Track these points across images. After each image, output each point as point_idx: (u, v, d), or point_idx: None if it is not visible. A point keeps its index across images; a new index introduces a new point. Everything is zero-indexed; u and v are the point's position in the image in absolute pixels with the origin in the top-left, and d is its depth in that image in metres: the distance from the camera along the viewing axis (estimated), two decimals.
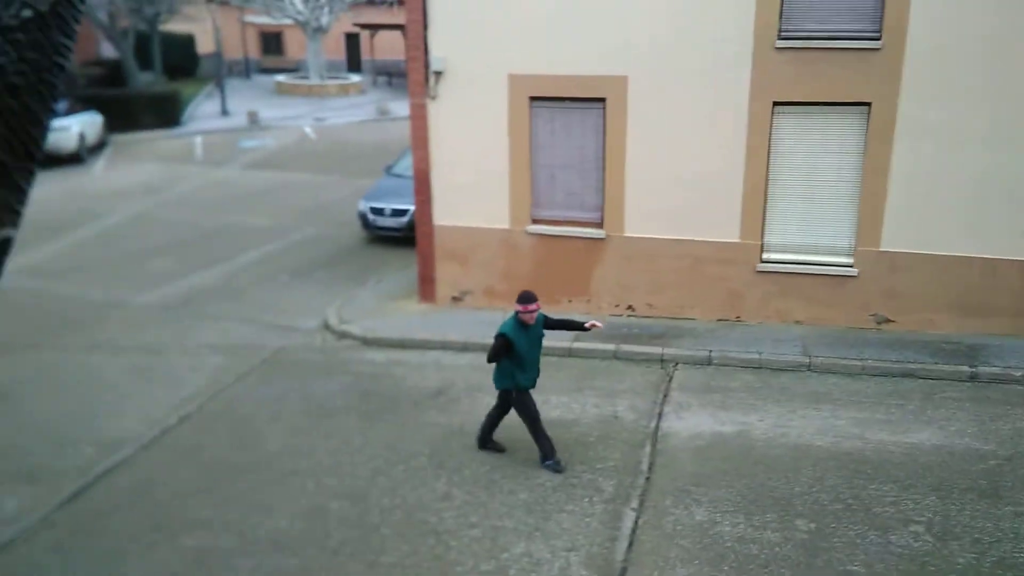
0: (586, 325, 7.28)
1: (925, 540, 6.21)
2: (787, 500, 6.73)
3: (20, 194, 1.07)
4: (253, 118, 29.76)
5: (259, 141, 26.69)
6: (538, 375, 7.23)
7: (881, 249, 9.80)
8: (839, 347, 9.48)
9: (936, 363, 9.00)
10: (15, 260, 15.18)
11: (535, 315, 6.96)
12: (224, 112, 31.62)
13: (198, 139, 27.31)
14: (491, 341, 7.07)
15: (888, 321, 9.98)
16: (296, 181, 20.57)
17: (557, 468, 7.19)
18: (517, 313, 6.97)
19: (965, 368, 8.88)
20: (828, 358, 9.21)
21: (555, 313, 7.71)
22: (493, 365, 7.10)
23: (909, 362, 9.03)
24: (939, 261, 9.66)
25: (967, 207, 9.45)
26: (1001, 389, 8.60)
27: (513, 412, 7.30)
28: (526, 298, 6.95)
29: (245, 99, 35.25)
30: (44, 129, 1.08)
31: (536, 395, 8.64)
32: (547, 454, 7.23)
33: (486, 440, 7.58)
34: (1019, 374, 8.73)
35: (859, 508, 6.61)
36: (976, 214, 9.45)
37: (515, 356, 6.95)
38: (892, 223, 9.69)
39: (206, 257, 14.03)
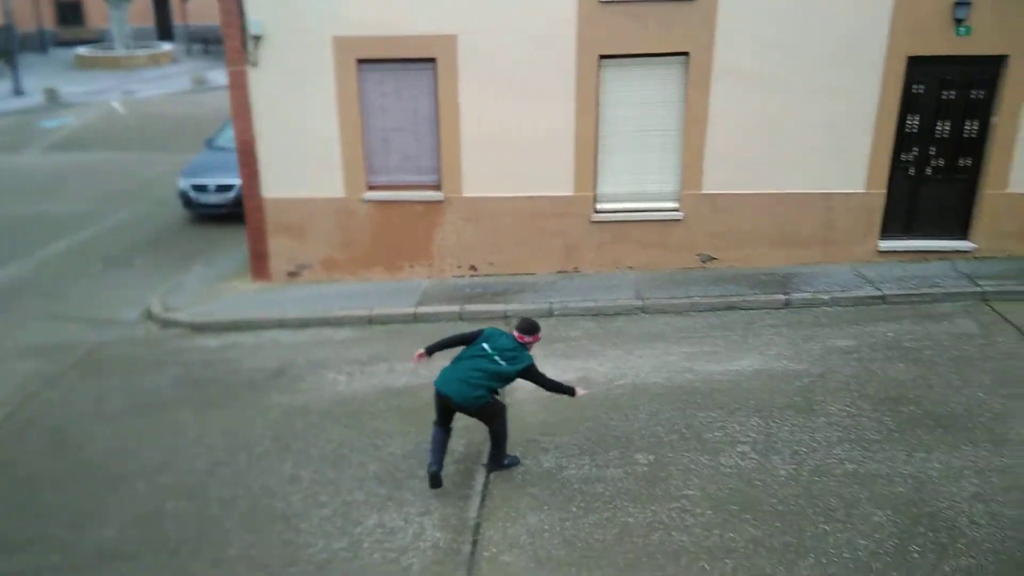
0: (578, 393, 6.52)
1: (751, 458, 6.69)
2: (627, 437, 7.03)
3: None
4: (52, 96, 27.14)
5: (61, 120, 24.38)
6: None
7: (703, 192, 10.31)
8: (669, 288, 9.95)
9: (755, 294, 9.65)
10: None
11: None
12: (18, 92, 28.63)
13: None
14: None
15: (712, 259, 10.56)
16: (107, 161, 18.95)
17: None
18: (526, 344, 6.43)
19: (780, 296, 9.59)
20: (659, 299, 9.65)
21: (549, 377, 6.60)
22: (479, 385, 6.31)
23: (731, 296, 9.64)
24: (753, 199, 10.30)
25: (776, 148, 10.07)
26: (812, 312, 9.36)
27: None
28: (534, 327, 6.46)
29: (42, 76, 32.06)
30: None
31: (381, 364, 8.61)
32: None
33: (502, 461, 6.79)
34: (826, 297, 9.52)
35: (692, 436, 7.01)
36: (783, 154, 10.10)
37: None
38: (712, 167, 10.19)
39: (7, 251, 12.69)
